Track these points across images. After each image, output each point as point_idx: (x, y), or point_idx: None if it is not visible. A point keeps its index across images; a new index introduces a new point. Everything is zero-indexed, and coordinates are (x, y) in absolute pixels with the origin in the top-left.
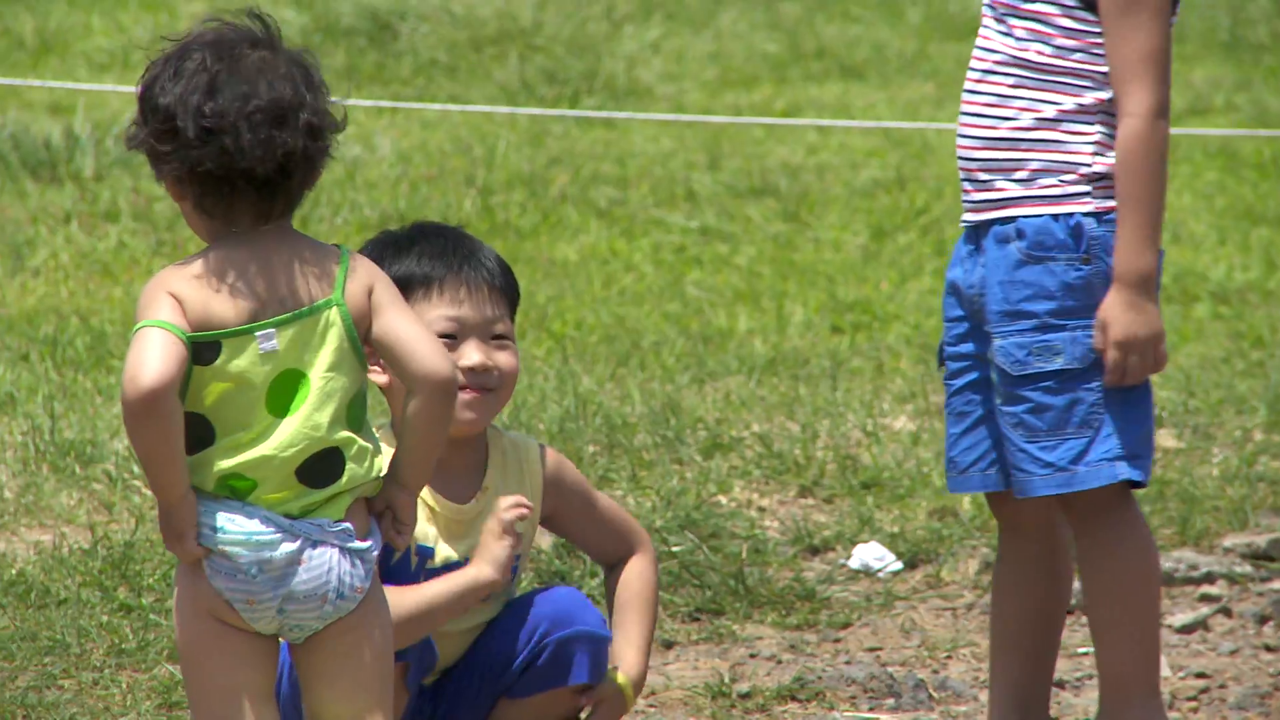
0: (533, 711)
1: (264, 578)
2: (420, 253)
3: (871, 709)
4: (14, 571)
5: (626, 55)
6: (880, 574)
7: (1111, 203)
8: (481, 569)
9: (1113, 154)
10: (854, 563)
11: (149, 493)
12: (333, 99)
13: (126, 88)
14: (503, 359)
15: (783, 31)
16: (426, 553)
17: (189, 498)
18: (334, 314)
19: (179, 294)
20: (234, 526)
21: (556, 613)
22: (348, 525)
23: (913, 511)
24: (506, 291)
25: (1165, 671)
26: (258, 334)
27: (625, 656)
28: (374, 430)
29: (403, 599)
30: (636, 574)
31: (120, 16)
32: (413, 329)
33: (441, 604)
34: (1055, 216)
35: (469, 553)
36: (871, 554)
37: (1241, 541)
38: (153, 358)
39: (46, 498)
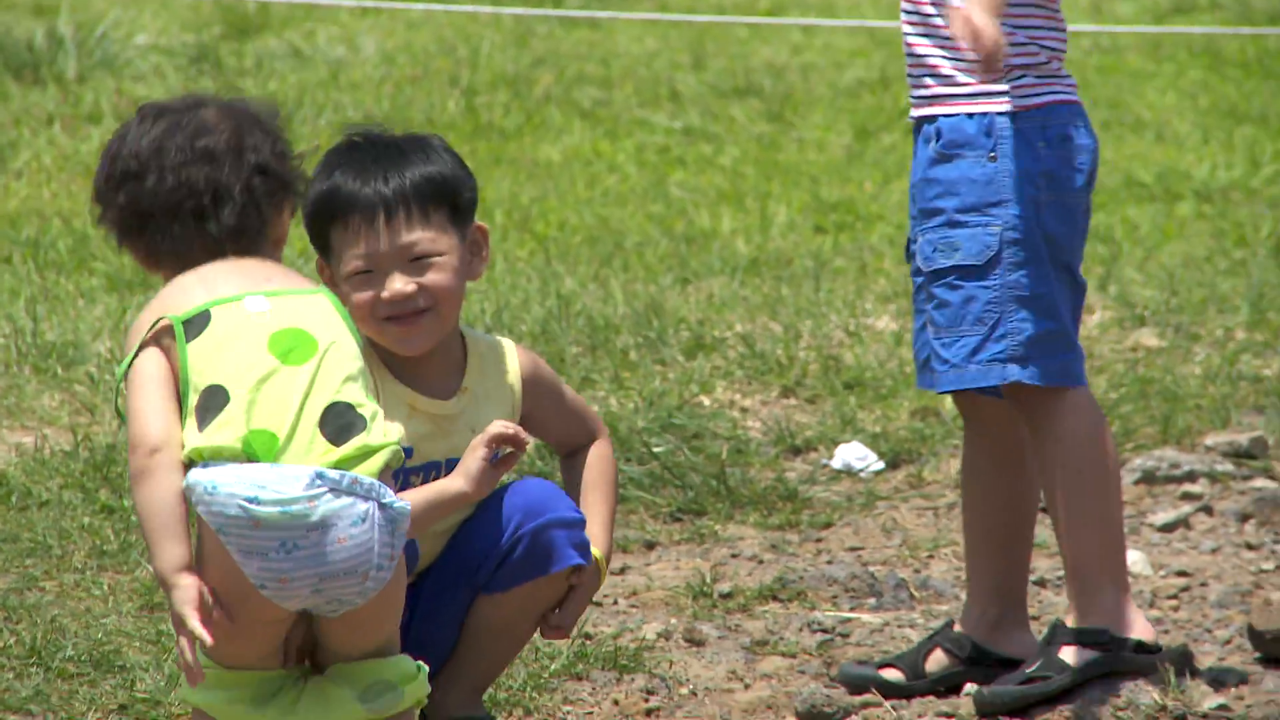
0: (513, 605)
1: (298, 553)
2: (337, 177)
3: (853, 608)
4: None
5: None
6: (862, 474)
7: (1031, 100)
8: (454, 481)
9: (1034, 51)
10: (836, 463)
11: None
12: (299, 150)
13: None
14: (431, 278)
15: None
16: (406, 453)
17: (188, 575)
18: (324, 297)
19: (160, 306)
20: (267, 495)
21: (529, 504)
22: (382, 484)
23: (895, 411)
24: (435, 200)
25: (1147, 570)
26: (246, 298)
27: (594, 534)
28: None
29: None
30: (598, 456)
31: None
32: None
33: (417, 513)
34: (970, 114)
35: (448, 454)
36: (853, 454)
37: (1223, 440)
38: (150, 418)
39: (28, 399)
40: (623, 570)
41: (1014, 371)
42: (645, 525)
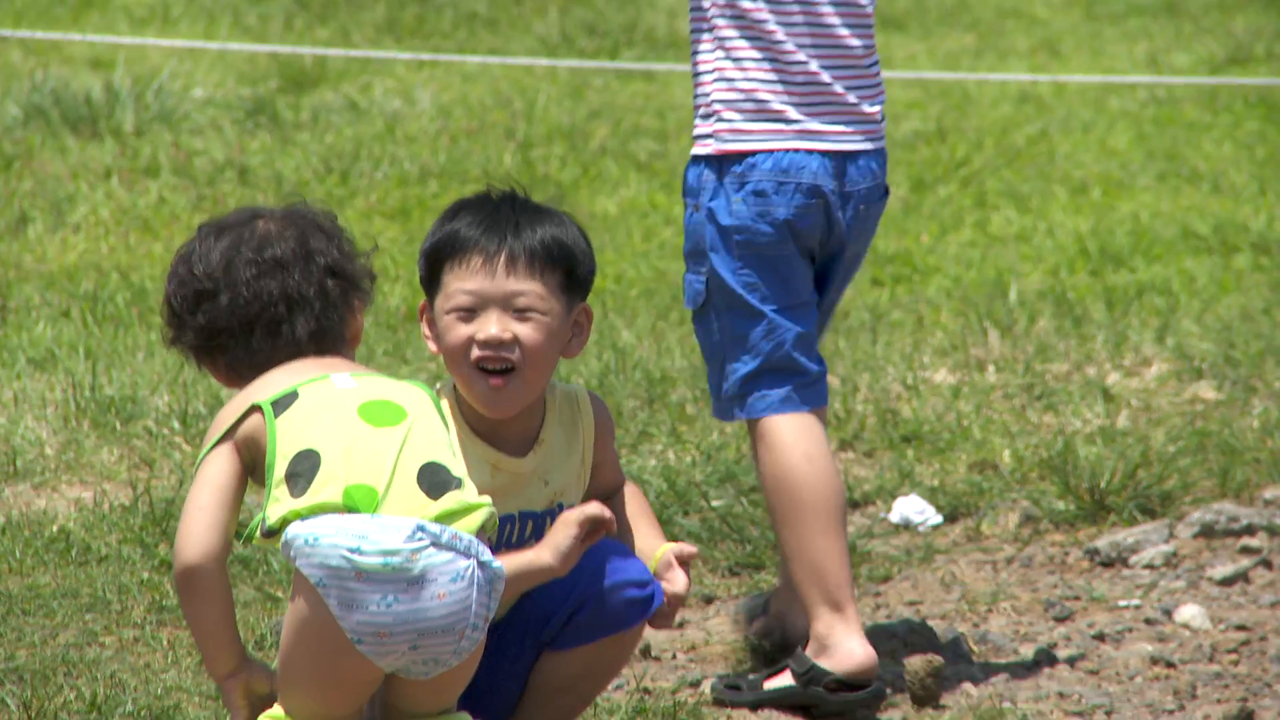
0: (578, 663)
1: (398, 607)
2: (460, 222)
3: None
4: (55, 528)
5: (667, 7)
6: (920, 527)
7: (731, 146)
8: (542, 554)
9: (735, 88)
10: (894, 516)
11: (189, 449)
12: (361, 253)
13: (166, 41)
14: (527, 332)
15: None
16: None
17: (239, 677)
18: (411, 385)
19: (246, 397)
20: (369, 546)
21: (598, 563)
22: (481, 543)
23: (953, 465)
24: (550, 263)
25: (1206, 624)
26: (332, 376)
27: (659, 548)
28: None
29: None
30: (633, 494)
31: None
32: None
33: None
34: (694, 159)
35: (521, 507)
36: (912, 507)
37: None
38: (196, 530)
39: (87, 454)
40: (681, 625)
41: (738, 413)
42: (703, 579)
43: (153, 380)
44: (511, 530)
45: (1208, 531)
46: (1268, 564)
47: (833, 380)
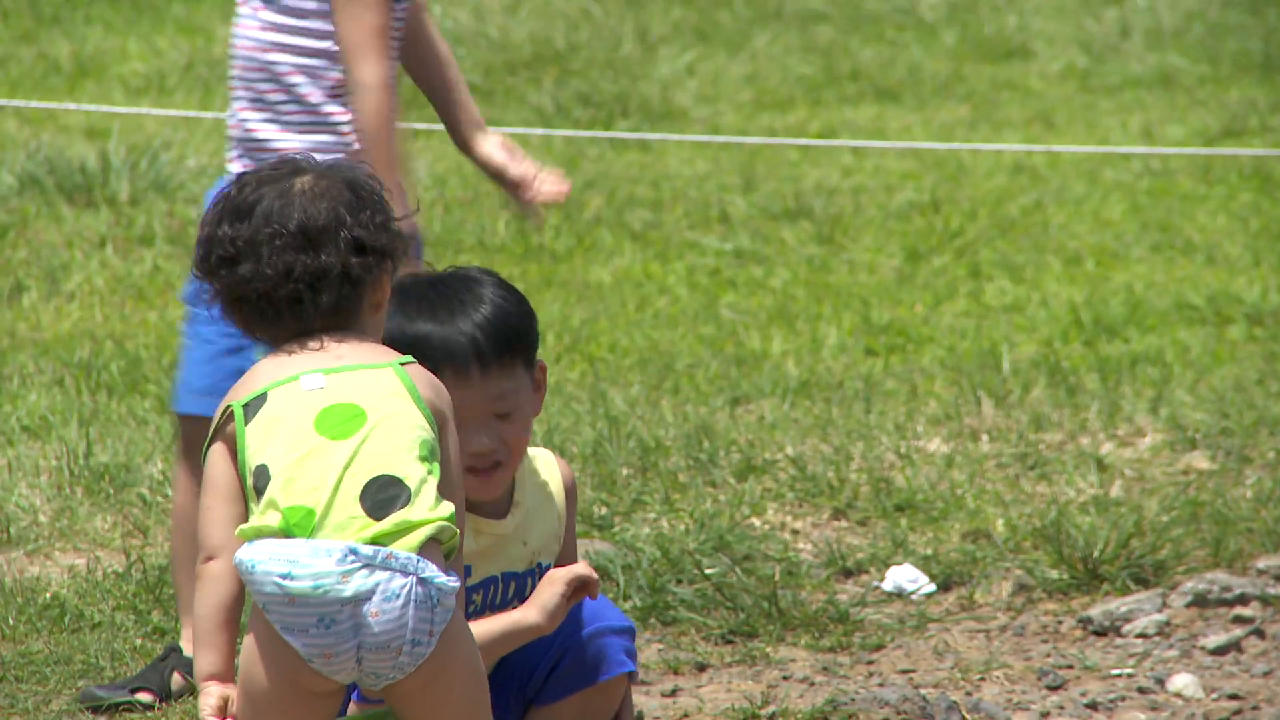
0: (564, 717)
1: (337, 628)
2: (421, 326)
3: None
4: (48, 595)
5: (661, 78)
6: (913, 596)
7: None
8: (528, 613)
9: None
10: (887, 585)
11: None
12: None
13: (162, 111)
14: (511, 432)
15: (817, 53)
16: (466, 571)
17: (217, 682)
18: (391, 373)
19: (234, 393)
20: (300, 570)
21: (576, 613)
22: (423, 560)
23: (946, 533)
24: (513, 350)
25: (1199, 693)
26: (302, 376)
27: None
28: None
29: None
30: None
31: (157, 40)
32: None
33: (487, 643)
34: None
35: (504, 568)
36: (905, 576)
37: (1275, 563)
38: (203, 529)
39: (80, 521)
40: (674, 692)
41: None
42: (696, 647)
43: (146, 448)
44: (495, 592)
45: (1201, 601)
46: (1260, 633)
47: (826, 449)
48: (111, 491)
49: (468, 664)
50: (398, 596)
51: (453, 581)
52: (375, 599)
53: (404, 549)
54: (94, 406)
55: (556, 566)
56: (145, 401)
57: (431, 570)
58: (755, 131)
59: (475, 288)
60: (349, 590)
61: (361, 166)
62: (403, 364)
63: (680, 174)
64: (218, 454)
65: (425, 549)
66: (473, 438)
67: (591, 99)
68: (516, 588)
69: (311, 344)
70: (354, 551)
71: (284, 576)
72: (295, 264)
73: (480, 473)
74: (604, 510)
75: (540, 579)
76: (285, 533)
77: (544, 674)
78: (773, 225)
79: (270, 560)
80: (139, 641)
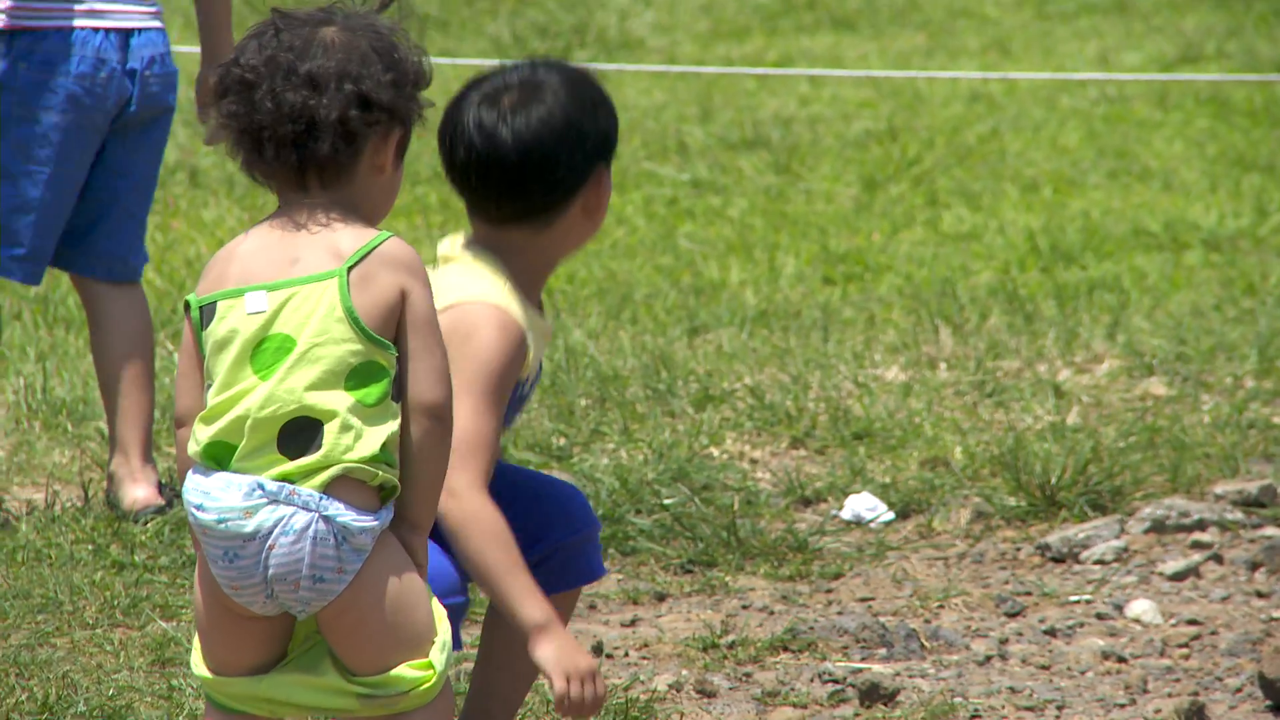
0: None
1: (240, 562)
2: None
3: (863, 659)
4: (6, 529)
5: (618, 8)
6: (872, 524)
7: (24, 24)
8: (538, 612)
9: None
10: (846, 513)
11: None
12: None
13: None
14: None
15: None
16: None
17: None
18: (331, 285)
19: (211, 264)
20: (209, 504)
21: (566, 510)
22: (331, 498)
23: (904, 462)
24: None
25: (1157, 618)
26: (247, 294)
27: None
28: (389, 411)
29: (492, 571)
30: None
31: None
32: (422, 357)
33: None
34: None
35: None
36: (863, 504)
37: (1232, 489)
38: (177, 393)
39: (39, 455)
40: (634, 622)
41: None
42: (656, 577)
43: None
44: (533, 380)
45: (1159, 527)
46: (1218, 559)
47: (784, 378)
48: (69, 426)
49: (386, 601)
50: (295, 530)
51: (363, 521)
52: (275, 533)
53: (310, 487)
54: (51, 341)
55: None
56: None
57: (336, 508)
58: (712, 61)
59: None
60: (250, 525)
61: (394, 26)
62: (354, 264)
63: (638, 104)
64: (188, 325)
65: (337, 487)
66: None
67: (548, 30)
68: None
69: (293, 215)
70: (260, 487)
71: (197, 508)
72: (297, 103)
73: None
74: (562, 441)
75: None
76: (206, 464)
77: (530, 566)
78: (730, 155)
79: (190, 491)
80: (98, 576)
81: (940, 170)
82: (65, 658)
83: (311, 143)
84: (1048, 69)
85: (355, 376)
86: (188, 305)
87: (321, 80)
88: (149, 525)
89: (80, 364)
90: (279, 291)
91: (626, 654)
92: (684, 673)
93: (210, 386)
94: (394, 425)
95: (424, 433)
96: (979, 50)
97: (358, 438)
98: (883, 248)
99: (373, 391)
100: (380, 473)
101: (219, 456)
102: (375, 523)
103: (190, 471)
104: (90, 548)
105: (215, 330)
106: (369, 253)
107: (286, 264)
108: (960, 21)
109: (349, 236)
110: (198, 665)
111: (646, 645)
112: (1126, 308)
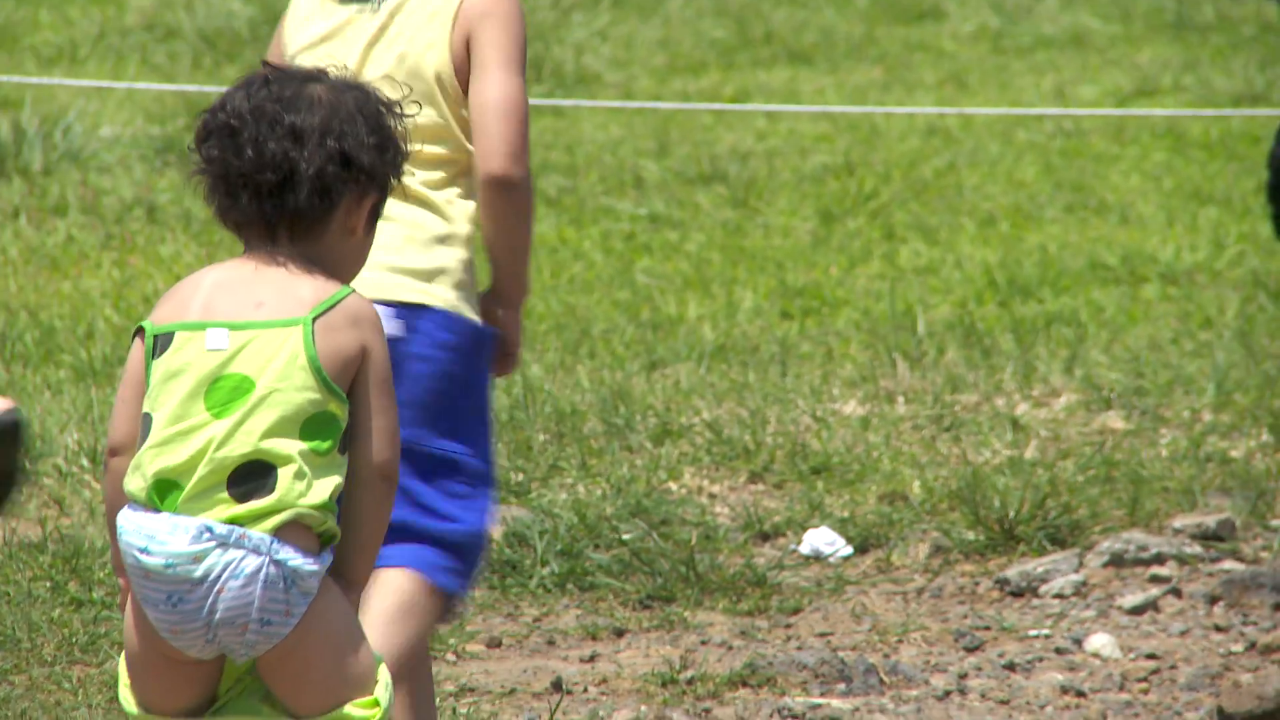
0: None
1: (184, 606)
2: None
3: (823, 694)
4: None
5: (575, 42)
6: (831, 559)
7: None
8: (519, 312)
9: None
10: (804, 548)
11: (98, 486)
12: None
13: (74, 81)
14: None
15: (730, 17)
16: None
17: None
18: (296, 332)
19: (171, 293)
20: (156, 547)
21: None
22: (280, 541)
23: (862, 496)
24: None
25: (1115, 653)
26: (209, 329)
27: None
28: (336, 463)
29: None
30: None
31: (68, 10)
32: (378, 416)
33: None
34: None
35: None
36: (822, 539)
37: (1191, 522)
38: (113, 419)
39: None
40: (593, 658)
41: None
42: (614, 612)
43: (62, 419)
44: None
45: (1117, 560)
46: (1177, 592)
47: (742, 413)
48: (27, 463)
49: (331, 642)
50: (245, 574)
51: (311, 564)
52: (224, 577)
53: (260, 530)
54: (9, 377)
55: None
56: (60, 371)
57: (287, 552)
58: (669, 96)
59: None
60: (199, 571)
61: (382, 94)
62: (320, 314)
63: (594, 139)
64: (137, 351)
65: (286, 531)
66: None
67: None
68: None
69: (260, 262)
70: (209, 529)
71: (141, 550)
72: (278, 154)
73: None
74: (520, 476)
75: None
76: (149, 502)
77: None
78: (687, 189)
79: (133, 533)
80: (56, 613)
81: (897, 204)
82: (23, 695)
83: (288, 194)
84: (1004, 103)
85: (311, 425)
86: (141, 331)
87: (305, 133)
88: (107, 564)
89: (38, 401)
90: (241, 332)
91: (585, 689)
92: (643, 708)
93: (151, 415)
94: (339, 479)
95: (370, 491)
96: (935, 84)
97: (309, 486)
98: (840, 282)
99: (324, 442)
100: (328, 520)
101: (164, 494)
102: (319, 566)
103: (127, 509)
104: (48, 584)
105: (169, 361)
106: (333, 305)
107: (251, 305)
108: (916, 56)
109: (312, 288)
110: (126, 700)
111: (605, 680)
112: (1084, 341)
